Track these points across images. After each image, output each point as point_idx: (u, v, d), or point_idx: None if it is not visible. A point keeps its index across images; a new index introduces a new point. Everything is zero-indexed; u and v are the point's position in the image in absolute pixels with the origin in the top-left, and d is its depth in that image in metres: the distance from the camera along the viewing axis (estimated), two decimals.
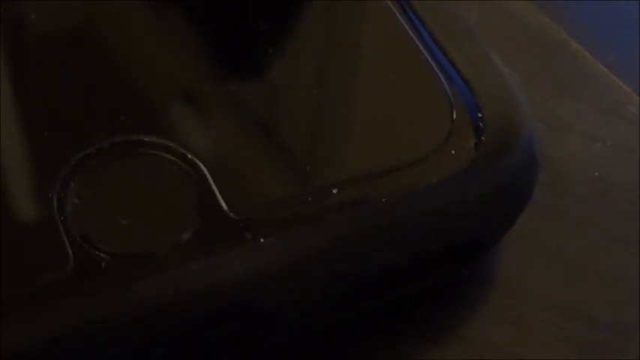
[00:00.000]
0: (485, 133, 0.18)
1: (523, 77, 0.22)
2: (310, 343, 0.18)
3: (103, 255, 0.16)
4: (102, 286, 0.16)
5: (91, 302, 0.15)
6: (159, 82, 0.19)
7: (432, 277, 0.18)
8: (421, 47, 0.19)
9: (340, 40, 0.20)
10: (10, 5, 0.19)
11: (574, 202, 0.21)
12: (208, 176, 0.17)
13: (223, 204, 0.17)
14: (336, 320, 0.18)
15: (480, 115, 0.18)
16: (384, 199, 0.17)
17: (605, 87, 0.23)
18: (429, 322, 0.19)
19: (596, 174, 0.21)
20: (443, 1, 0.20)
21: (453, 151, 0.18)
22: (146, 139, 0.17)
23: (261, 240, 0.16)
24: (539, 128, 0.19)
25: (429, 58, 0.19)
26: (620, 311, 0.19)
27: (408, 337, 0.19)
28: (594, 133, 0.22)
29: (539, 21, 0.24)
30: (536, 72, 0.23)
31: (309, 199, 0.17)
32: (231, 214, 0.17)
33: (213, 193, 0.17)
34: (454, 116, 0.18)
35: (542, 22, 0.24)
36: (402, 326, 0.19)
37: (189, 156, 0.17)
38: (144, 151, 0.17)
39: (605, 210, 0.21)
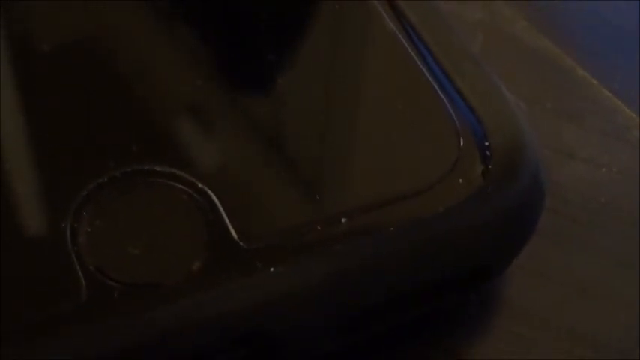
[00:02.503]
0: (492, 162, 0.18)
1: (528, 103, 0.22)
2: None
3: (115, 285, 0.16)
4: (115, 316, 0.16)
5: (103, 332, 0.16)
6: (170, 111, 0.19)
7: (438, 303, 0.18)
8: (427, 75, 0.19)
9: (347, 69, 0.20)
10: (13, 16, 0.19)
11: (580, 228, 0.21)
12: (219, 205, 0.17)
13: (234, 233, 0.17)
14: (344, 346, 0.18)
15: (486, 143, 0.18)
16: (392, 228, 0.17)
17: (609, 112, 0.23)
18: (437, 347, 0.19)
19: (602, 199, 0.21)
20: (448, 27, 0.20)
21: (460, 180, 0.18)
22: (157, 168, 0.17)
23: (272, 269, 0.16)
24: (545, 154, 0.19)
25: (436, 86, 0.19)
26: (628, 335, 0.19)
27: None
28: (599, 158, 0.22)
29: (543, 46, 0.24)
30: (541, 97, 0.23)
31: (318, 228, 0.17)
32: (242, 243, 0.17)
33: (223, 222, 0.17)
34: (461, 144, 0.18)
35: (546, 47, 0.24)
36: (407, 351, 0.19)
37: (200, 185, 0.17)
38: (155, 180, 0.17)
39: (611, 235, 0.21)
